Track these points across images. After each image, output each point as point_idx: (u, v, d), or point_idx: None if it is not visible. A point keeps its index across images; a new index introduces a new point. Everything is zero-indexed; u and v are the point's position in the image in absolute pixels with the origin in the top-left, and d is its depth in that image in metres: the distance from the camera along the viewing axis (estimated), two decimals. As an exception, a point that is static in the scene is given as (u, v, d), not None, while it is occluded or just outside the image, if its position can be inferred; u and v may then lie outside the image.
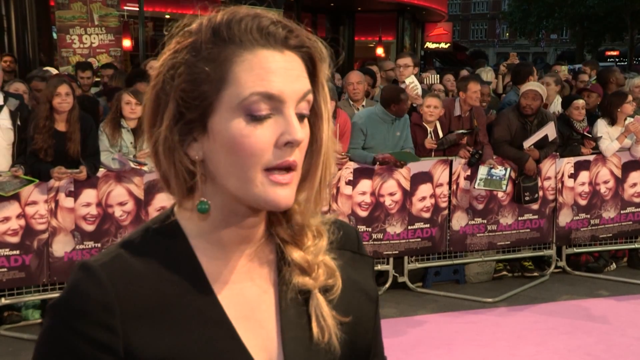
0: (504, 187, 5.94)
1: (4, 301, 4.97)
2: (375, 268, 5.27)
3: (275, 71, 0.86)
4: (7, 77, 6.56)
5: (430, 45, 25.85)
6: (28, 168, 4.84)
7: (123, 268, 0.89)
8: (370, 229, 5.73)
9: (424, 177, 5.84)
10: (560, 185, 6.29)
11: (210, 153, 0.88)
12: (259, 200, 0.87)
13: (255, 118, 0.85)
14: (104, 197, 5.10)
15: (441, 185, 5.92)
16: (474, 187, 5.94)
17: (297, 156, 0.88)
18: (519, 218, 6.22)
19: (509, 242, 6.25)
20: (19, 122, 4.97)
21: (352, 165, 5.64)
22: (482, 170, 5.88)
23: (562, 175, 6.28)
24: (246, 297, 0.94)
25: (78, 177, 4.94)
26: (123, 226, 5.13)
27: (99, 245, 5.09)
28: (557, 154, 6.23)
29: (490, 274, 6.32)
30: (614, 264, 6.67)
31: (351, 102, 6.28)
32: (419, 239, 5.92)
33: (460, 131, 5.96)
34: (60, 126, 4.96)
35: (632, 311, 5.50)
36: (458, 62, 25.26)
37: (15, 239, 4.88)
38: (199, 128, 0.88)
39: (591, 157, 6.37)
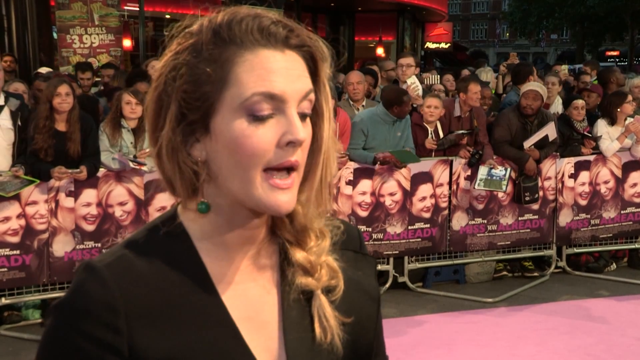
0: (504, 187, 5.94)
1: (4, 301, 4.97)
2: (376, 268, 5.26)
3: (277, 71, 0.86)
4: (7, 77, 6.55)
5: (430, 45, 25.87)
6: (28, 168, 4.84)
7: (127, 268, 0.89)
8: (370, 229, 5.73)
9: (424, 177, 5.84)
10: (560, 185, 6.29)
11: (212, 154, 0.88)
12: (259, 204, 0.87)
13: (257, 118, 0.85)
14: (104, 197, 5.10)
15: (441, 185, 5.92)
16: (474, 188, 5.94)
17: (299, 156, 0.88)
18: (519, 218, 6.22)
19: (509, 242, 6.25)
20: (19, 122, 4.97)
21: (352, 165, 5.64)
22: (482, 171, 5.88)
23: (563, 175, 6.28)
24: (249, 297, 0.94)
25: (78, 177, 4.94)
26: (123, 226, 5.13)
27: (99, 245, 5.09)
28: (558, 154, 6.23)
29: (490, 274, 6.32)
30: (614, 264, 6.67)
31: (351, 102, 6.26)
32: (419, 239, 5.92)
33: (461, 131, 5.96)
34: (61, 126, 4.96)
35: (632, 311, 5.50)
36: (458, 62, 25.26)
37: (15, 239, 4.88)
38: (201, 129, 0.88)
39: (591, 157, 6.37)
